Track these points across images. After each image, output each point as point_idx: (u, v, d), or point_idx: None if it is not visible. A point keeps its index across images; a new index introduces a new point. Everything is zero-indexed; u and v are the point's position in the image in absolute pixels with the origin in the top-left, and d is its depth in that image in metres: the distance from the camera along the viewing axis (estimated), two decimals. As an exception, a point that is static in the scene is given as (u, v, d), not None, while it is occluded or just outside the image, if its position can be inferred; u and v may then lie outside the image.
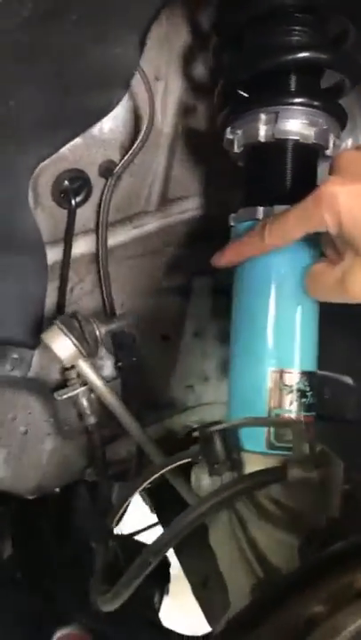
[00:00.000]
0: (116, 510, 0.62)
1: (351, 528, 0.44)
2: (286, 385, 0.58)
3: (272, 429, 0.57)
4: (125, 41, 0.56)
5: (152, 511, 0.90)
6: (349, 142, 0.77)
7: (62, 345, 0.63)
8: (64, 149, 0.68)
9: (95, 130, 0.70)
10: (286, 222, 0.51)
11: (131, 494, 0.61)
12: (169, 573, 1.09)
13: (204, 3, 0.72)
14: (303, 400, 0.59)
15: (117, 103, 0.64)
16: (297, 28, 0.58)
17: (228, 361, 0.86)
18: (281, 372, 0.58)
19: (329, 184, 0.47)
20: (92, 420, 0.77)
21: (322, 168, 0.64)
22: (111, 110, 0.64)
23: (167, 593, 1.07)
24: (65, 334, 0.63)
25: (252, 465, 0.56)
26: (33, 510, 1.00)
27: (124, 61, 0.58)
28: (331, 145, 0.61)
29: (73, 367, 0.76)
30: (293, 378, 0.58)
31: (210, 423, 0.55)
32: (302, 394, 0.59)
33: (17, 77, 0.51)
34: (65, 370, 0.78)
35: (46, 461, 0.80)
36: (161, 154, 0.77)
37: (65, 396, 0.75)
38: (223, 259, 0.59)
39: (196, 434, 0.55)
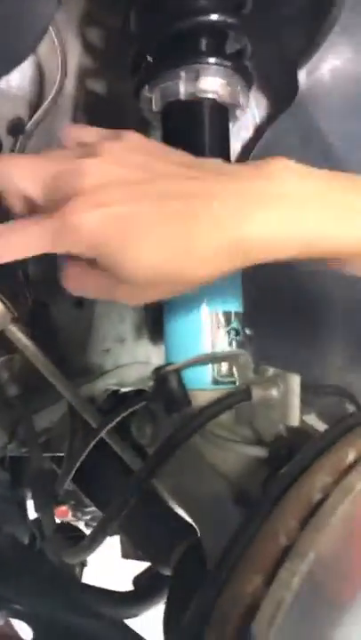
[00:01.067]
0: (67, 473, 0.61)
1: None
2: (222, 324, 0.63)
3: (215, 366, 0.62)
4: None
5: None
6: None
7: (-7, 307, 0.61)
8: (-28, 103, 0.64)
9: (2, 84, 0.67)
10: (27, 236, 0.42)
11: (82, 453, 0.61)
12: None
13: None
14: (238, 338, 0.64)
15: (30, 53, 0.63)
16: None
17: (141, 322, 0.89)
18: (216, 314, 0.63)
19: (75, 210, 0.40)
20: (14, 391, 0.74)
21: (235, 126, 0.70)
22: (24, 60, 0.62)
23: (86, 564, 1.08)
24: (-5, 295, 0.60)
25: (200, 401, 0.59)
26: None
27: (43, 6, 0.57)
28: (241, 104, 0.66)
29: (-12, 338, 0.73)
30: (228, 317, 0.63)
31: (161, 366, 0.58)
32: (236, 332, 0.64)
33: None
34: (-23, 343, 0.74)
35: (-36, 442, 0.76)
36: (65, 115, 0.76)
37: (-16, 369, 0.72)
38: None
39: (151, 376, 0.57)
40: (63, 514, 1.85)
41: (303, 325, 0.93)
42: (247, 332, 0.97)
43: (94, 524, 1.45)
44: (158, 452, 0.50)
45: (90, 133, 0.51)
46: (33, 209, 0.44)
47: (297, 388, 0.50)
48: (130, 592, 0.95)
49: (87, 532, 1.36)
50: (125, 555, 1.31)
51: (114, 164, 0.42)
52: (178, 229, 0.40)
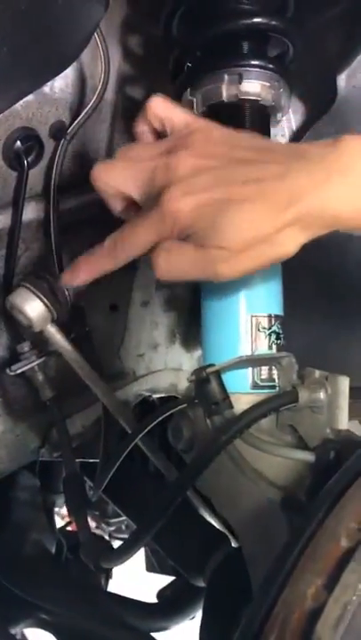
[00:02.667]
0: (105, 474, 0.60)
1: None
2: (264, 328, 0.62)
3: (255, 369, 0.61)
4: (97, -9, 0.55)
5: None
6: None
7: (34, 307, 0.60)
8: (17, 106, 0.65)
9: (47, 88, 0.68)
10: (136, 235, 0.50)
11: (121, 453, 0.60)
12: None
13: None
14: (278, 342, 0.63)
15: (77, 57, 0.63)
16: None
17: (175, 328, 0.89)
18: (257, 317, 0.62)
19: (172, 198, 0.46)
20: (49, 393, 0.74)
21: (272, 131, 0.69)
22: (70, 64, 0.63)
23: (111, 576, 1.06)
24: (36, 295, 0.60)
25: (240, 406, 0.58)
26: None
27: (92, 12, 0.58)
28: (282, 107, 0.66)
29: (24, 340, 0.73)
30: (268, 321, 0.62)
31: (202, 367, 0.57)
32: (277, 336, 0.63)
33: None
34: (12, 345, 0.74)
35: (-2, 444, 0.75)
36: (104, 121, 0.77)
37: (20, 370, 0.71)
38: (78, 278, 0.55)
39: (190, 378, 0.56)
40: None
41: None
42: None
43: (119, 535, 1.43)
44: (199, 456, 0.49)
45: (175, 116, 0.55)
46: (131, 208, 0.54)
47: (346, 390, 0.49)
48: (157, 604, 0.93)
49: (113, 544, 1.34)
50: (150, 568, 1.29)
51: (199, 157, 0.48)
52: (261, 206, 0.45)
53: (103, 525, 1.41)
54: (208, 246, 0.47)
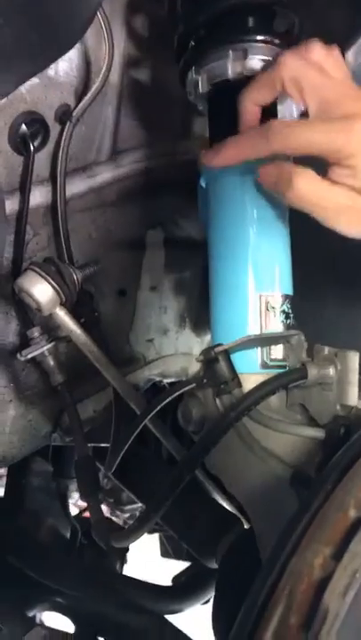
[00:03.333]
0: (116, 456, 0.60)
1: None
2: (273, 307, 0.61)
3: (265, 349, 0.60)
4: (99, -32, 0.55)
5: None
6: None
7: (42, 290, 0.60)
8: (22, 89, 0.65)
9: (51, 71, 0.68)
10: (309, 132, 0.52)
11: (131, 436, 0.60)
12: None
13: None
14: (287, 321, 0.62)
15: (79, 39, 0.63)
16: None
17: (184, 312, 0.89)
18: (266, 296, 0.61)
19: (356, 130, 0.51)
20: (59, 378, 0.74)
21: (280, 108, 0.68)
22: (73, 46, 0.62)
23: (126, 561, 1.07)
24: (44, 278, 0.60)
25: (249, 385, 0.58)
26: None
27: (93, -7, 0.57)
28: (289, 84, 0.65)
29: (34, 326, 0.73)
30: (277, 300, 0.62)
31: (211, 347, 0.56)
32: (286, 315, 0.62)
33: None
34: (22, 330, 0.75)
35: (9, 430, 0.76)
36: (109, 103, 0.76)
37: (30, 356, 0.71)
38: (219, 158, 0.57)
39: (200, 357, 0.56)
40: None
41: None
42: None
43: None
44: (208, 433, 0.49)
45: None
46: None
47: (356, 366, 0.48)
48: (172, 587, 0.93)
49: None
50: (165, 554, 1.30)
51: None
52: None
53: (118, 512, 1.41)
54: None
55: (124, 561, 1.04)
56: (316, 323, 0.95)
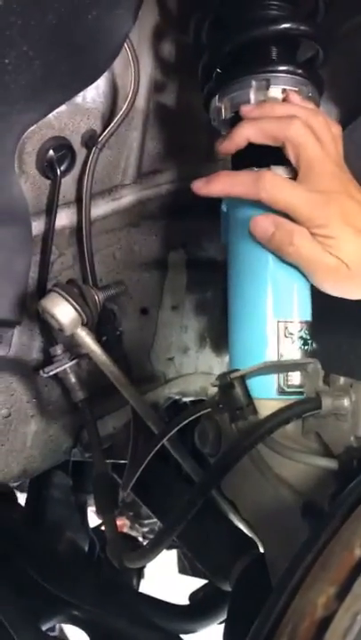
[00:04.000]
0: (132, 474, 0.61)
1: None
2: (291, 333, 0.62)
3: (282, 375, 0.60)
4: (126, 3, 0.57)
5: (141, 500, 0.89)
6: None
7: (64, 311, 0.62)
8: (49, 116, 0.67)
9: (79, 98, 0.70)
10: (286, 192, 0.57)
11: (148, 455, 0.61)
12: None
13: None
14: (305, 347, 0.62)
15: (107, 68, 0.65)
16: (279, 2, 0.63)
17: (205, 332, 0.89)
18: (284, 322, 0.62)
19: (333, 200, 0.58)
20: (80, 395, 0.76)
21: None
22: (101, 75, 0.64)
23: (143, 576, 1.07)
24: (66, 299, 0.62)
25: (265, 411, 0.58)
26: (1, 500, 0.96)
27: (121, 24, 0.59)
28: (312, 112, 0.65)
29: (57, 343, 0.75)
30: (295, 327, 0.62)
31: (227, 372, 0.57)
32: (304, 342, 0.62)
33: (14, 34, 0.50)
34: (46, 347, 0.77)
35: (31, 444, 0.78)
36: (135, 128, 0.78)
37: (52, 373, 0.73)
38: (208, 188, 0.61)
39: (214, 383, 0.57)
40: (121, 527, 1.86)
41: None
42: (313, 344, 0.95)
43: (152, 536, 1.45)
44: (221, 459, 0.50)
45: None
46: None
47: (370, 398, 0.48)
48: (187, 606, 0.93)
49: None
50: (182, 570, 1.30)
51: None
52: None
53: (137, 526, 1.43)
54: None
55: (141, 575, 1.05)
56: (330, 351, 0.95)
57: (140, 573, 1.04)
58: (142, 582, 1.22)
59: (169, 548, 1.37)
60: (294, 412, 0.49)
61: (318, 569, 0.33)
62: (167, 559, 1.32)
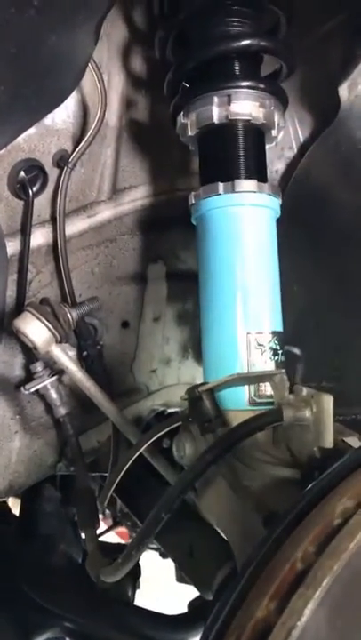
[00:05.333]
0: (108, 488, 0.62)
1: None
2: (260, 344, 0.62)
3: (252, 387, 0.61)
4: (84, 27, 0.58)
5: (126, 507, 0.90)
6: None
7: (37, 330, 0.63)
8: (19, 139, 0.68)
9: (48, 120, 0.72)
10: None
11: (122, 468, 0.62)
12: (140, 567, 1.09)
13: (140, 0, 0.76)
14: (276, 358, 0.63)
15: (72, 91, 0.66)
16: (240, 19, 0.64)
17: (187, 343, 0.90)
18: (254, 334, 0.62)
19: None
20: (62, 410, 0.77)
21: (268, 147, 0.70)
22: (66, 98, 0.65)
23: (139, 587, 1.08)
24: (38, 319, 0.63)
25: (237, 422, 0.59)
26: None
27: (82, 47, 0.60)
28: (276, 125, 0.66)
29: (37, 360, 0.76)
30: (266, 338, 0.63)
31: (195, 385, 0.58)
32: (274, 352, 0.63)
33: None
34: (28, 364, 0.78)
35: (16, 460, 0.79)
36: (108, 145, 0.79)
37: (33, 389, 0.75)
38: None
39: (183, 396, 0.57)
40: (124, 536, 1.86)
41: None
42: (295, 351, 0.96)
43: (152, 545, 1.45)
44: (188, 472, 0.50)
45: None
46: None
47: (330, 409, 0.49)
48: (179, 616, 0.94)
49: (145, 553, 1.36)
50: (180, 579, 1.30)
51: None
52: None
53: (134, 535, 1.43)
54: None
55: (135, 586, 1.05)
56: (322, 348, 0.96)
57: (134, 584, 1.04)
58: (146, 592, 1.22)
59: (164, 557, 1.37)
60: (255, 425, 0.49)
61: (262, 583, 0.34)
62: (165, 568, 1.32)
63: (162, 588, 1.48)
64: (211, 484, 0.58)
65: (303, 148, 0.88)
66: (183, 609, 1.00)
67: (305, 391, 0.52)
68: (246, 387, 0.61)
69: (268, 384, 0.61)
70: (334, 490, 0.38)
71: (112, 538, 1.66)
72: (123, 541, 1.78)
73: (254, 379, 0.59)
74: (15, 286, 0.75)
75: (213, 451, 0.49)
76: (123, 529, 1.63)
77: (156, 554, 1.45)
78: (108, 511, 1.37)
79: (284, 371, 0.58)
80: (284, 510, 0.37)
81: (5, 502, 1.00)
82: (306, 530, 0.35)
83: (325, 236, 0.88)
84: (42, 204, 0.74)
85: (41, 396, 0.78)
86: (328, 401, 0.49)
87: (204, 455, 0.49)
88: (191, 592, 1.08)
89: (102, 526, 1.54)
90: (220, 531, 0.67)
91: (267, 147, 0.69)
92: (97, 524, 0.70)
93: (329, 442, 0.49)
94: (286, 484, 0.51)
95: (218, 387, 0.57)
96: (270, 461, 0.54)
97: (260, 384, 0.62)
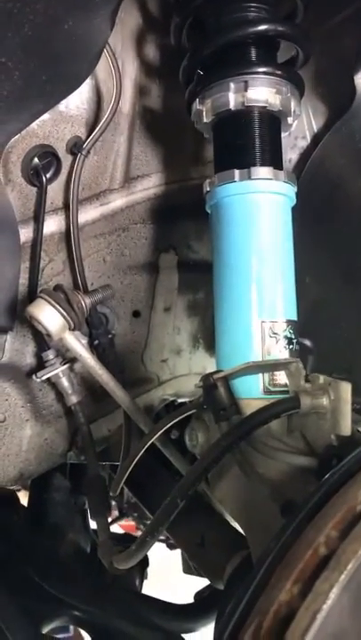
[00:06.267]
0: (121, 477, 0.62)
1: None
2: (275, 333, 0.62)
3: (266, 375, 0.61)
4: (101, 11, 0.57)
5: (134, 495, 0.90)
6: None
7: (50, 317, 0.63)
8: (33, 125, 0.68)
9: (62, 106, 0.71)
10: None
11: (135, 457, 0.61)
12: (148, 558, 1.10)
13: (154, -14, 0.76)
14: (290, 347, 0.63)
15: (87, 76, 0.66)
16: (257, 4, 0.63)
17: (198, 333, 0.90)
18: (269, 322, 0.62)
19: None
20: (74, 399, 0.76)
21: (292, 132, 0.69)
22: (81, 83, 0.65)
23: (146, 577, 1.08)
24: (52, 305, 0.63)
25: (251, 411, 0.58)
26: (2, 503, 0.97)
27: (98, 32, 0.60)
28: (292, 112, 0.66)
29: (49, 348, 0.76)
30: (280, 326, 0.62)
31: (210, 373, 0.58)
32: (289, 341, 0.63)
33: (-6, 46, 0.52)
34: (40, 352, 0.78)
35: (26, 448, 0.79)
36: (121, 133, 0.79)
37: (45, 377, 0.74)
38: None
39: (198, 384, 0.57)
40: (131, 528, 1.87)
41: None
42: (307, 342, 0.95)
43: (161, 536, 1.45)
44: (203, 459, 0.50)
45: None
46: None
47: (348, 397, 0.48)
48: (188, 605, 0.94)
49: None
50: (187, 570, 1.30)
51: None
52: None
53: (142, 527, 1.43)
54: None
55: (143, 576, 1.06)
56: (333, 340, 0.95)
57: (142, 574, 1.04)
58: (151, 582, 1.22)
59: (171, 548, 1.37)
60: (272, 412, 0.49)
61: (283, 568, 0.33)
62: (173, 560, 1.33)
63: (167, 578, 1.49)
64: (225, 473, 0.58)
65: (317, 138, 0.87)
66: (188, 600, 1.00)
67: (322, 379, 0.52)
68: (260, 376, 0.61)
69: (282, 373, 0.61)
70: (356, 476, 0.38)
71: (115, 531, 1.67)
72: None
73: (269, 367, 0.58)
74: (27, 274, 0.74)
75: (229, 438, 0.49)
76: (125, 522, 1.64)
77: (162, 546, 1.46)
78: (115, 502, 1.38)
79: (299, 359, 0.57)
80: (304, 497, 0.36)
81: (14, 492, 1.00)
82: (328, 515, 0.35)
83: (338, 227, 0.87)
84: (55, 191, 0.74)
85: (52, 384, 0.78)
86: (346, 389, 0.49)
87: (220, 442, 0.49)
88: (196, 583, 1.09)
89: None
90: (233, 521, 0.67)
91: (282, 134, 0.68)
92: (109, 513, 0.70)
93: (347, 430, 0.49)
94: (303, 473, 0.51)
95: (233, 374, 0.57)
96: (286, 450, 0.54)
97: (274, 373, 0.62)
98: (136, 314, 0.85)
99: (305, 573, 0.33)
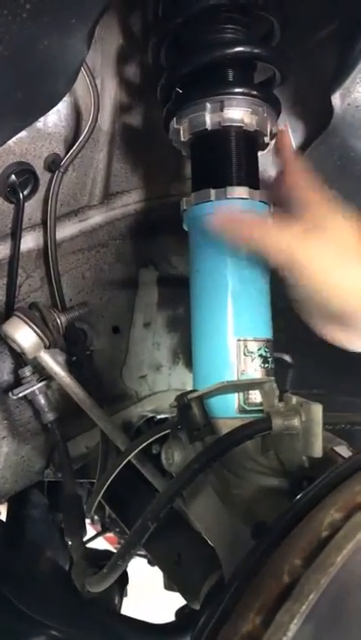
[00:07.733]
0: (96, 495, 0.61)
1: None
2: (250, 352, 0.62)
3: (241, 394, 0.61)
4: (77, 32, 0.57)
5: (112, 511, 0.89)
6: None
7: (25, 335, 0.63)
8: (10, 142, 0.68)
9: (40, 123, 0.71)
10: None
11: (110, 476, 0.61)
12: (127, 575, 1.08)
13: (135, 5, 0.76)
14: (265, 365, 0.63)
15: (64, 95, 0.66)
16: (234, 25, 0.64)
17: (177, 348, 0.90)
18: (244, 341, 0.62)
19: None
20: (50, 416, 0.76)
21: (261, 154, 0.70)
22: (58, 102, 0.65)
23: (126, 595, 1.06)
24: (27, 324, 0.63)
25: (226, 430, 0.58)
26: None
27: (74, 52, 0.60)
28: (269, 132, 0.66)
29: (26, 365, 0.75)
30: (255, 345, 0.62)
31: (184, 392, 0.57)
32: (264, 359, 0.63)
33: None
34: (17, 368, 0.77)
35: (3, 465, 0.78)
36: (101, 149, 0.79)
37: (21, 394, 0.74)
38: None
39: (172, 403, 0.57)
40: (113, 542, 1.85)
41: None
42: (286, 358, 0.96)
43: (139, 552, 1.44)
44: (175, 482, 0.50)
45: None
46: None
47: (319, 418, 0.48)
48: (168, 624, 0.93)
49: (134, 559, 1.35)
50: (168, 587, 1.29)
51: None
52: None
53: (122, 542, 1.42)
54: None
55: (123, 593, 1.04)
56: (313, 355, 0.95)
57: (121, 592, 1.03)
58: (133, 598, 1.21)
59: (152, 564, 1.36)
60: (245, 434, 0.49)
61: (248, 597, 0.33)
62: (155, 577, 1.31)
63: (150, 594, 1.47)
64: (199, 493, 0.57)
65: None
66: (171, 616, 0.99)
67: (294, 400, 0.52)
68: (236, 394, 0.61)
69: (257, 392, 0.61)
70: (322, 501, 0.37)
71: (101, 543, 1.65)
72: (111, 547, 1.77)
73: (244, 386, 0.58)
74: (5, 290, 0.74)
75: (201, 459, 0.48)
76: (112, 534, 1.62)
77: (144, 561, 1.44)
78: (97, 517, 1.36)
79: (273, 379, 0.57)
80: (272, 521, 0.36)
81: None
82: (293, 542, 0.35)
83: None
84: (33, 207, 0.74)
85: (29, 401, 0.77)
86: (317, 410, 0.49)
87: (192, 464, 0.49)
88: (179, 600, 1.08)
89: (92, 531, 1.53)
90: (208, 539, 0.67)
91: (260, 154, 0.69)
92: (84, 532, 0.69)
93: (318, 451, 0.49)
94: (275, 494, 0.50)
95: (207, 394, 0.57)
96: (259, 470, 0.53)
97: (249, 392, 0.62)
98: (115, 329, 0.85)
99: (268, 603, 0.32)
